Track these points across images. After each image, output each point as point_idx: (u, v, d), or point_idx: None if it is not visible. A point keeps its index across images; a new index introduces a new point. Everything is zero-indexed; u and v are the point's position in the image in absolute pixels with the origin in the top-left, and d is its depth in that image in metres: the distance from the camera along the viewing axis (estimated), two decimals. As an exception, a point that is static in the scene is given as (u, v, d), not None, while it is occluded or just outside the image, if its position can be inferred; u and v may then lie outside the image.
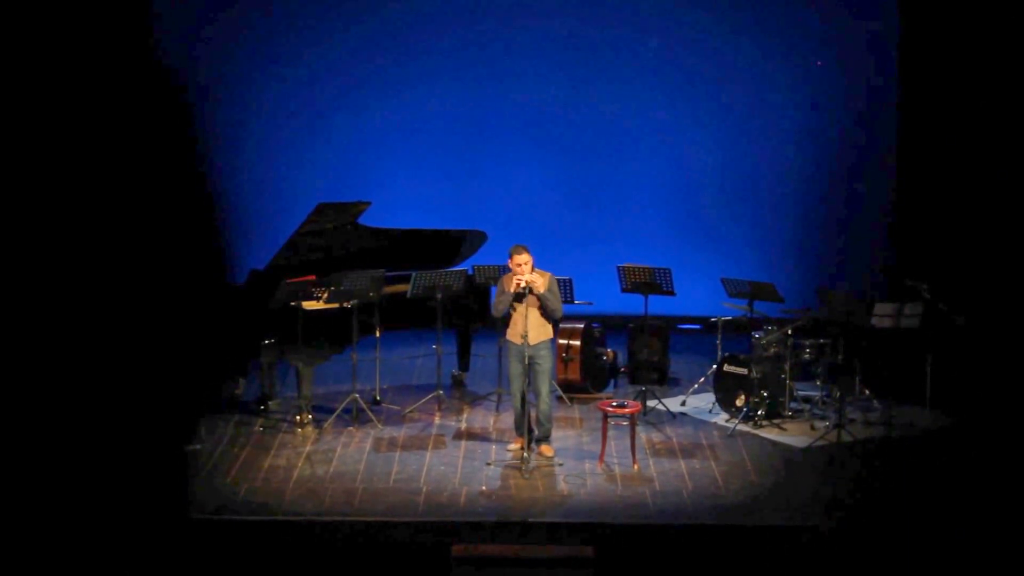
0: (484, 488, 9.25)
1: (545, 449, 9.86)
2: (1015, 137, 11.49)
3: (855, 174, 13.59)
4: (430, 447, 10.12)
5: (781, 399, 10.72)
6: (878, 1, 13.22)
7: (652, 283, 10.98)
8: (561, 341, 11.35)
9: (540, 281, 9.55)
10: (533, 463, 9.57)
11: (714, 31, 13.64)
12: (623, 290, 11.19)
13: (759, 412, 10.60)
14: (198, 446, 9.99)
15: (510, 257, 9.60)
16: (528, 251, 9.57)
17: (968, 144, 11.85)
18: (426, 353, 11.91)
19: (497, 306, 9.76)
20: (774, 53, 13.62)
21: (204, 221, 13.09)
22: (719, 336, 11.36)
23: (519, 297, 9.59)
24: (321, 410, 10.76)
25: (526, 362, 9.57)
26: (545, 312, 9.64)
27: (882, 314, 10.36)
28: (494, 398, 11.23)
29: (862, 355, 10.94)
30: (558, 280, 10.10)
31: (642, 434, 10.28)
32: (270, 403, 10.91)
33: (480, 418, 10.94)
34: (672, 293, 11.01)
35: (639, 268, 11.06)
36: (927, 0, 12.26)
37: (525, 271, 9.53)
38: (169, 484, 9.17)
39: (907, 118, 12.65)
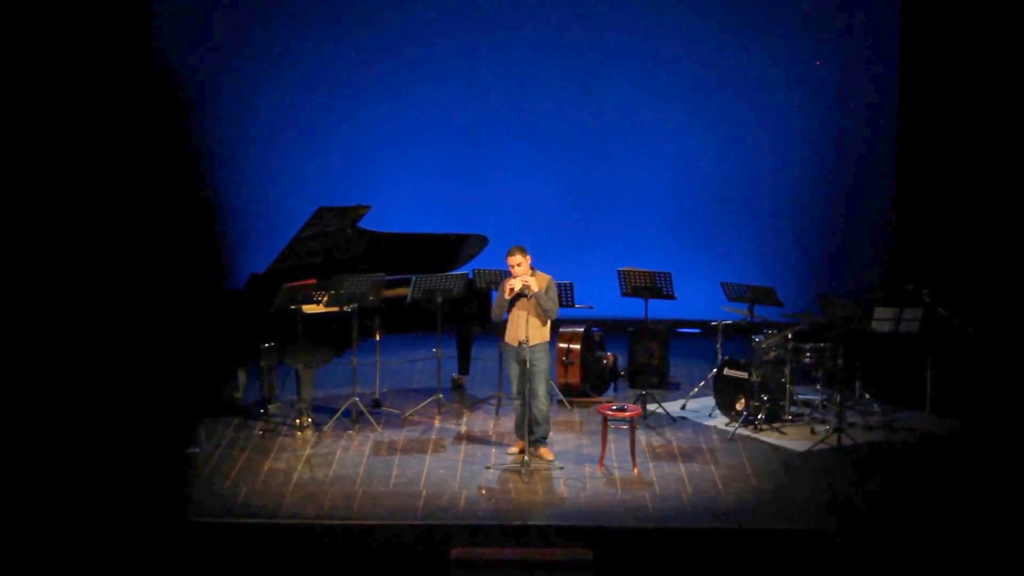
0: (484, 491, 9.25)
1: (544, 452, 9.86)
2: (1017, 139, 11.48)
3: (856, 177, 13.59)
4: (430, 450, 10.12)
5: (781, 403, 10.71)
6: (878, 4, 13.23)
7: (653, 287, 10.99)
8: (561, 345, 11.35)
9: (532, 282, 9.55)
10: (533, 466, 9.56)
11: (714, 35, 13.63)
12: (623, 294, 11.20)
13: (759, 416, 10.59)
14: (197, 449, 9.99)
15: (506, 259, 9.62)
16: (523, 252, 9.58)
17: (969, 147, 11.84)
18: (426, 357, 11.90)
19: (495, 310, 9.78)
20: (774, 57, 13.62)
21: (204, 225, 13.10)
22: (719, 340, 11.35)
23: (514, 299, 9.60)
24: (321, 413, 10.75)
25: (525, 363, 9.57)
26: (541, 313, 9.64)
27: (882, 318, 10.36)
28: (494, 402, 11.23)
29: (862, 359, 10.93)
30: (559, 284, 10.12)
31: (642, 438, 10.28)
32: (270, 406, 10.90)
33: (480, 421, 10.93)
34: (672, 297, 11.02)
35: (640, 272, 11.06)
36: (928, 1, 12.26)
37: (519, 272, 9.55)
38: (169, 487, 9.17)
39: (908, 121, 12.65)
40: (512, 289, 9.55)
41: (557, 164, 13.96)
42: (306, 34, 13.59)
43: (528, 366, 9.59)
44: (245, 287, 11.09)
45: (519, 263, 9.57)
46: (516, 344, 9.61)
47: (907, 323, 10.35)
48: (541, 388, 9.72)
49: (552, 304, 9.68)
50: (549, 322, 9.76)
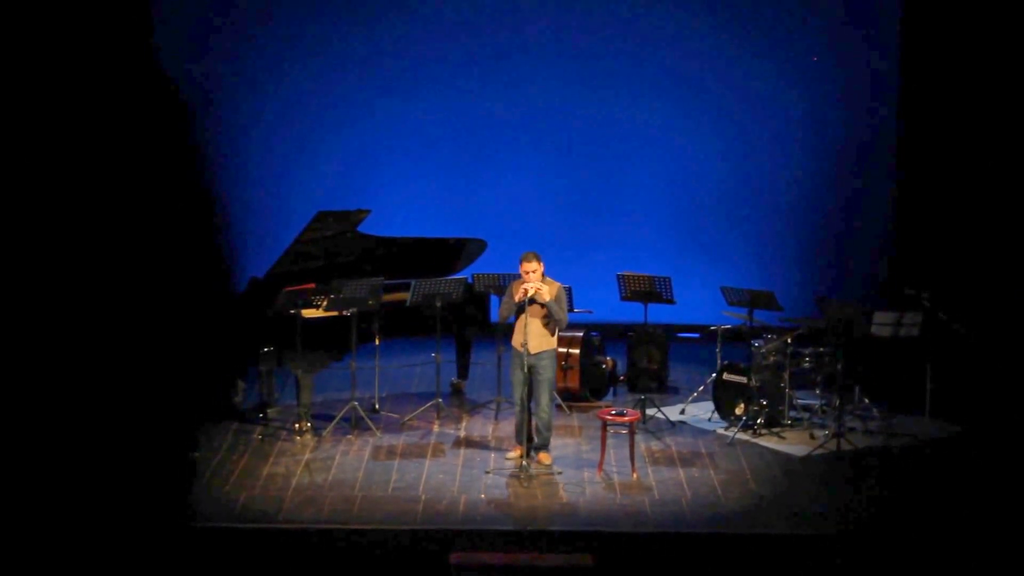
0: (483, 496, 9.24)
1: (543, 457, 9.85)
2: (1017, 140, 11.47)
3: (856, 180, 13.59)
4: (429, 455, 10.11)
5: (780, 408, 10.71)
6: (878, 6, 13.23)
7: (652, 291, 10.98)
8: (560, 349, 11.32)
9: (545, 290, 9.55)
10: (532, 471, 9.56)
11: (713, 38, 13.64)
12: (623, 298, 11.20)
13: (758, 421, 10.59)
14: (197, 454, 9.98)
15: (520, 264, 9.62)
16: (538, 259, 9.58)
17: (970, 148, 11.83)
18: (425, 361, 11.89)
19: (501, 311, 9.78)
20: (774, 61, 13.63)
21: (205, 229, 13.10)
22: (718, 345, 11.34)
23: (522, 305, 9.59)
24: (320, 418, 10.74)
25: (526, 370, 9.57)
26: (549, 322, 9.63)
27: (882, 323, 10.35)
28: (493, 406, 11.22)
29: (862, 364, 10.92)
30: (556, 287, 10.14)
31: (641, 443, 10.27)
32: (269, 411, 10.91)
33: (479, 426, 10.92)
34: (672, 301, 11.01)
35: (639, 276, 11.06)
36: (928, 1, 12.25)
37: (533, 279, 9.54)
38: (170, 492, 9.17)
39: (908, 124, 12.64)
40: (525, 291, 9.54)
41: (557, 168, 13.97)
42: (305, 38, 13.60)
43: (531, 373, 9.58)
44: (245, 291, 11.09)
45: (533, 269, 9.55)
46: (520, 348, 9.61)
47: (907, 328, 10.34)
48: (544, 398, 9.70)
49: (562, 314, 9.66)
50: (556, 330, 9.75)
